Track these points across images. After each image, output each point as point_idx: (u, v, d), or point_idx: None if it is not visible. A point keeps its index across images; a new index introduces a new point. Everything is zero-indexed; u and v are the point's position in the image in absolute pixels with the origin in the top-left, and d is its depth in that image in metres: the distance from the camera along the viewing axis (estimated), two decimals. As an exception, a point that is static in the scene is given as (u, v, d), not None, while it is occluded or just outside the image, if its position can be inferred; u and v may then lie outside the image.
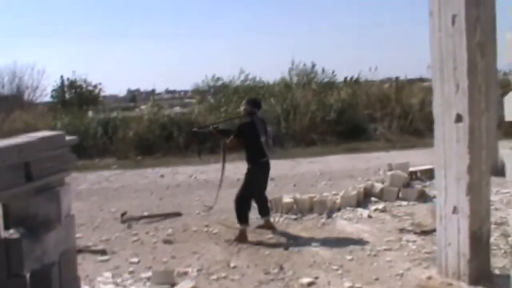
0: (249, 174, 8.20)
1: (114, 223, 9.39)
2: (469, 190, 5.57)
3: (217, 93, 26.50)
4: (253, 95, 22.59)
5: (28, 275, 4.62)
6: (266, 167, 8.25)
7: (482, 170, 5.68)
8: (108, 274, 6.70)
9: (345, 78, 26.70)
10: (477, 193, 5.62)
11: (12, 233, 4.60)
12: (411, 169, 10.84)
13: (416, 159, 12.08)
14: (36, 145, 4.80)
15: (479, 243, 5.70)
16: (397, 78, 25.66)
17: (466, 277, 5.69)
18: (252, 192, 8.27)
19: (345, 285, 6.02)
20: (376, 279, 6.14)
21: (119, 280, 6.51)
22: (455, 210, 5.72)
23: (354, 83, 25.40)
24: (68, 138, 5.29)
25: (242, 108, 8.64)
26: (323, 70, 26.25)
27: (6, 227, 4.70)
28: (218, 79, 27.37)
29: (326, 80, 25.97)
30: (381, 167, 11.52)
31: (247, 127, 8.23)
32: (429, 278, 6.02)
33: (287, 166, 14.61)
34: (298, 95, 22.05)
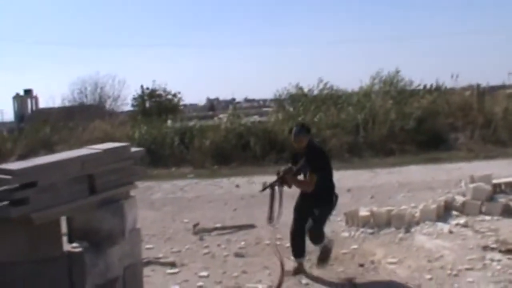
0: (328, 207, 7.00)
1: (186, 235, 9.30)
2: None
3: (295, 101, 26.35)
4: (331, 104, 22.36)
5: (91, 289, 4.53)
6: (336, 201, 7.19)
7: None
8: (176, 288, 6.57)
9: (425, 86, 26.06)
10: None
11: (75, 247, 4.52)
12: (494, 181, 10.26)
13: (500, 170, 11.53)
14: (99, 158, 4.72)
15: None
16: (478, 85, 24.81)
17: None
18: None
19: (422, 307, 5.67)
20: (457, 302, 5.76)
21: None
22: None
23: (434, 91, 24.74)
24: (133, 150, 5.18)
25: (295, 140, 6.88)
26: (401, 78, 25.76)
27: (70, 240, 4.63)
28: (300, 87, 27.21)
29: (406, 87, 25.43)
30: (462, 178, 11.01)
31: (326, 155, 7.15)
32: (515, 301, 5.60)
33: (365, 176, 14.26)
34: (377, 103, 21.64)
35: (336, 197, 7.03)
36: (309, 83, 27.26)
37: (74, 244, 4.54)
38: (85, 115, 28.74)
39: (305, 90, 26.98)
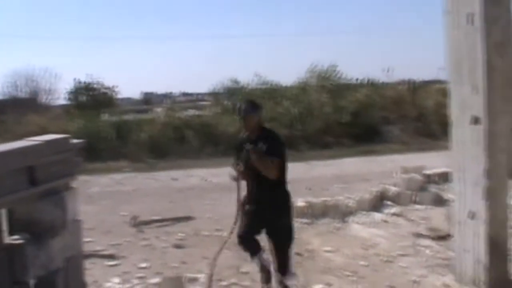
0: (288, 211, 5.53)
1: (125, 227, 9.29)
2: (487, 195, 5.40)
3: (232, 95, 26.47)
4: (267, 98, 22.55)
5: (32, 282, 4.51)
6: None
7: (500, 174, 5.51)
8: (116, 280, 6.59)
9: (360, 80, 26.54)
10: (495, 198, 5.44)
11: (16, 239, 4.50)
12: (426, 172, 10.65)
13: (432, 162, 11.88)
14: (40, 149, 4.69)
15: (497, 249, 5.52)
16: (411, 80, 25.45)
17: (484, 284, 5.51)
18: None
19: (358, 291, 5.87)
20: (391, 286, 5.99)
21: (127, 285, 6.39)
22: (472, 216, 5.55)
23: (369, 85, 25.26)
24: (74, 141, 5.18)
25: (244, 119, 5.46)
26: (337, 73, 26.13)
27: (11, 232, 4.60)
28: (236, 81, 27.30)
29: (341, 81, 25.82)
30: (396, 170, 11.33)
31: (284, 145, 5.63)
32: (446, 285, 5.87)
33: (301, 169, 14.47)
34: (313, 97, 21.95)
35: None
36: (246, 77, 27.36)
37: (15, 236, 4.53)
38: (18, 108, 28.08)
39: (242, 84, 27.11)
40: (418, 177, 10.12)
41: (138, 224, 9.33)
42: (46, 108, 32.19)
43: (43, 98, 38.42)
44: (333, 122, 20.24)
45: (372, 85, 25.26)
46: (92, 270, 6.63)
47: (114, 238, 8.56)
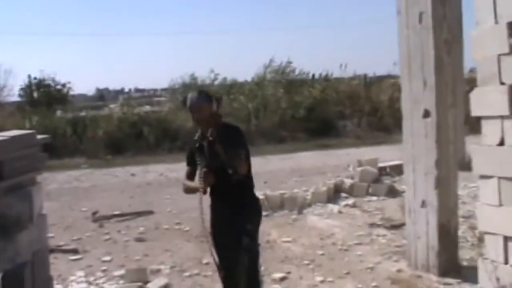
0: (259, 219, 4.81)
1: (86, 223, 9.36)
2: (437, 184, 5.68)
3: (186, 91, 26.55)
4: (223, 93, 22.71)
5: (0, 275, 4.61)
6: None
7: (450, 165, 5.80)
8: (80, 273, 6.70)
9: (313, 75, 26.88)
10: (445, 187, 5.73)
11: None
12: (380, 164, 10.94)
13: (386, 155, 12.21)
14: (7, 144, 4.79)
15: (448, 236, 5.81)
16: (365, 75, 25.88)
17: (435, 269, 5.80)
18: None
19: (316, 279, 6.09)
20: (347, 273, 6.21)
21: (92, 278, 6.50)
22: (423, 204, 5.83)
23: (324, 80, 25.61)
24: (39, 137, 5.28)
25: (195, 111, 4.45)
26: (293, 68, 26.41)
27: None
28: (194, 77, 27.41)
29: (297, 77, 26.11)
30: (351, 163, 11.62)
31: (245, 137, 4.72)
32: (399, 271, 6.12)
33: (257, 163, 14.52)
34: (269, 92, 22.19)
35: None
36: (203, 73, 27.50)
37: (-18, 231, 4.62)
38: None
39: (199, 79, 27.23)
40: (372, 169, 10.40)
41: (99, 219, 9.41)
42: (-2, 105, 31.72)
43: (-6, 95, 37.84)
44: (288, 117, 20.53)
45: (327, 80, 25.65)
46: (56, 264, 6.72)
47: (75, 233, 8.64)
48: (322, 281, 6.04)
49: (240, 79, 27.23)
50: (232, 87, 25.01)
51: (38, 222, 5.26)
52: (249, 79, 26.64)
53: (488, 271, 3.86)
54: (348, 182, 10.20)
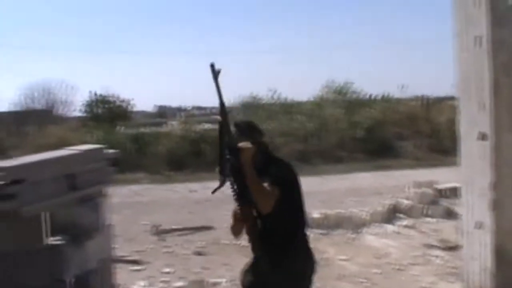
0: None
1: (147, 236, 9.68)
2: (493, 206, 5.73)
3: (246, 110, 26.90)
4: (282, 113, 22.93)
5: (70, 281, 4.90)
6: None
7: (506, 187, 5.85)
8: (142, 283, 6.98)
9: (370, 96, 26.92)
10: (501, 209, 5.78)
11: (57, 240, 4.88)
12: (438, 186, 10.96)
13: (443, 177, 12.17)
14: (79, 158, 5.12)
15: (503, 257, 5.84)
16: (425, 96, 25.75)
17: (490, 290, 5.85)
18: None
19: (371, 297, 6.22)
20: (402, 292, 6.33)
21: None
22: (479, 226, 5.89)
23: (383, 101, 25.62)
24: (108, 151, 5.60)
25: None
26: (353, 89, 26.49)
27: (51, 234, 4.99)
28: (253, 96, 27.77)
29: (356, 97, 26.16)
30: (408, 184, 11.65)
31: (290, 173, 3.74)
32: (454, 291, 6.20)
33: (315, 182, 14.80)
34: (328, 113, 22.31)
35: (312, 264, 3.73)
36: (260, 92, 27.78)
37: (55, 238, 4.93)
38: (34, 120, 28.61)
39: (258, 99, 27.58)
40: (429, 191, 10.45)
41: (160, 232, 9.72)
42: (62, 120, 32.65)
43: (59, 110, 38.96)
44: (347, 137, 20.58)
45: (386, 101, 25.65)
46: (118, 274, 6.98)
47: (137, 245, 8.95)
48: (377, 299, 6.17)
49: (299, 98, 27.46)
50: (291, 107, 25.21)
51: (105, 232, 5.57)
52: (307, 98, 26.90)
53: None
54: (405, 203, 10.27)
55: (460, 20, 5.99)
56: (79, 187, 5.04)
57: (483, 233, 5.87)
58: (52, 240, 4.88)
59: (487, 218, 5.79)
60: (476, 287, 6.00)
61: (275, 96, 26.83)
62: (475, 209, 5.94)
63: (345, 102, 24.47)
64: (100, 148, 5.52)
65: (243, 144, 3.51)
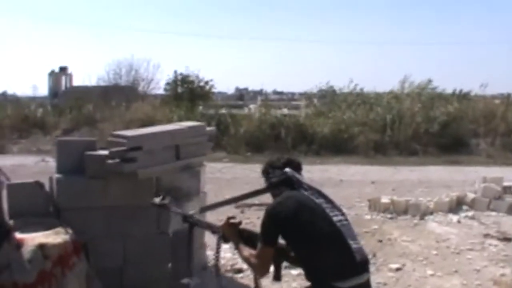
0: None
1: (229, 208, 10.58)
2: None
3: (324, 98, 27.63)
4: (360, 104, 23.48)
5: (171, 233, 5.90)
6: None
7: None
8: (226, 246, 7.87)
9: (454, 91, 27.16)
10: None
11: (162, 199, 5.85)
12: (505, 183, 11.42)
13: (513, 175, 12.62)
14: (184, 132, 6.10)
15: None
16: (509, 94, 25.75)
17: (535, 276, 6.55)
18: None
19: (427, 272, 7.02)
20: (456, 271, 7.09)
21: (235, 251, 7.71)
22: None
23: (462, 97, 25.83)
24: (208, 129, 6.55)
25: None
26: (433, 86, 26.77)
27: (157, 195, 5.97)
28: (331, 86, 28.50)
29: (435, 92, 26.40)
30: (477, 180, 12.18)
31: (280, 218, 3.59)
32: (503, 275, 6.92)
33: (388, 172, 15.50)
34: (405, 106, 22.72)
35: None
36: (339, 82, 28.45)
37: (161, 198, 5.91)
38: (119, 95, 29.99)
39: (336, 88, 28.30)
40: (495, 186, 10.96)
41: (241, 206, 10.72)
42: (144, 97, 34.02)
43: (142, 87, 40.56)
44: (422, 131, 20.93)
45: (465, 98, 25.87)
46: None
47: (221, 215, 9.88)
48: (432, 275, 6.95)
49: (375, 90, 27.94)
50: (369, 98, 25.70)
51: (201, 197, 6.57)
52: (384, 90, 27.36)
53: None
54: (470, 195, 10.85)
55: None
56: (183, 156, 6.02)
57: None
58: (159, 200, 5.87)
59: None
60: (523, 272, 6.72)
61: (351, 86, 27.47)
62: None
63: (423, 96, 24.75)
64: (201, 125, 6.48)
65: (224, 223, 4.01)
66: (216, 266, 4.28)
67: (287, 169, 3.83)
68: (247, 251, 3.76)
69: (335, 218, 3.51)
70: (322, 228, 3.45)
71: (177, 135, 5.96)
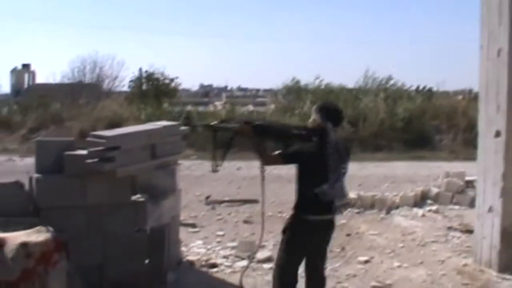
0: (290, 231, 5.02)
1: (200, 205, 10.86)
2: (503, 193, 6.75)
3: (289, 94, 27.78)
4: (323, 99, 23.69)
5: (148, 230, 6.08)
6: (321, 229, 5.00)
7: (514, 177, 6.85)
8: (199, 242, 8.18)
9: (417, 88, 27.60)
10: (509, 196, 6.79)
11: (139, 197, 6.04)
12: (467, 178, 11.74)
13: (475, 170, 12.95)
14: (160, 132, 6.27)
15: (509, 237, 6.86)
16: (470, 90, 26.24)
17: (496, 265, 6.89)
18: (296, 263, 5.05)
19: (394, 264, 7.32)
20: (421, 263, 7.41)
21: (209, 246, 7.97)
22: (490, 210, 6.93)
23: (426, 94, 26.25)
24: (181, 128, 6.74)
25: (311, 119, 4.96)
26: (394, 82, 27.10)
27: (134, 193, 6.15)
28: (297, 81, 28.53)
29: (398, 88, 26.71)
30: (441, 174, 12.52)
31: (309, 154, 4.79)
32: (465, 265, 7.24)
33: (354, 168, 15.51)
34: (368, 102, 22.99)
35: (307, 225, 4.94)
36: (303, 77, 28.46)
37: (138, 195, 6.09)
38: (82, 93, 29.82)
39: (301, 84, 28.38)
40: (458, 181, 11.31)
41: (211, 202, 10.93)
42: (109, 94, 33.79)
43: (106, 85, 40.28)
44: (386, 127, 21.24)
45: (426, 94, 26.31)
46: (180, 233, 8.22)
47: (192, 212, 10.14)
48: (399, 266, 7.25)
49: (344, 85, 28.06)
50: (333, 93, 25.77)
51: (176, 194, 6.77)
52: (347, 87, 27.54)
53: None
54: (434, 190, 11.20)
55: (485, 35, 7.01)
56: (159, 155, 6.20)
57: (493, 216, 6.90)
58: (136, 198, 6.06)
59: (497, 204, 6.82)
60: (484, 262, 7.06)
61: (319, 82, 27.60)
62: (488, 195, 6.98)
63: (386, 93, 25.04)
64: (176, 125, 6.67)
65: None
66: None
67: (329, 125, 4.78)
68: (263, 147, 5.26)
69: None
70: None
71: (153, 134, 6.14)
